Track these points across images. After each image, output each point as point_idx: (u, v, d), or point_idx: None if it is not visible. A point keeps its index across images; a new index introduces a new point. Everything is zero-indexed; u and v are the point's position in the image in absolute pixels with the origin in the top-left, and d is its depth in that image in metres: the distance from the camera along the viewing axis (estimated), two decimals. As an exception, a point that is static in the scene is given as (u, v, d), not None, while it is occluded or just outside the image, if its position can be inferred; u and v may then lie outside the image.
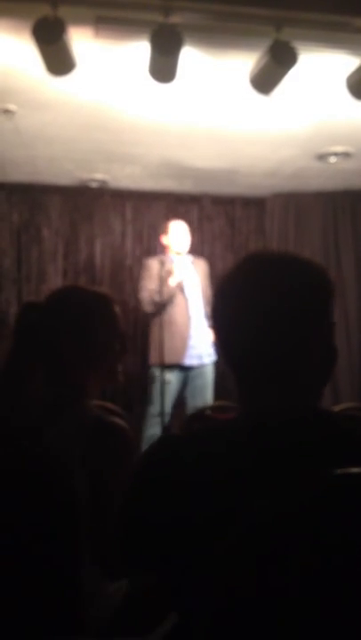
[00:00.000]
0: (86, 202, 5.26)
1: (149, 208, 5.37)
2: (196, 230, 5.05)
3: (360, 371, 5.08)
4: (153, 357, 4.35)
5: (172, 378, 4.23)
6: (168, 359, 4.17)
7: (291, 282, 0.98)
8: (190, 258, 4.47)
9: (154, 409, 4.23)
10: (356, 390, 4.97)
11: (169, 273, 4.21)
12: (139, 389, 5.18)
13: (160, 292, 4.19)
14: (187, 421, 3.15)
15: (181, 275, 4.25)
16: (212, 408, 3.37)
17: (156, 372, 4.25)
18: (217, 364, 4.33)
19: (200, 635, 0.84)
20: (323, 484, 0.82)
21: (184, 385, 4.36)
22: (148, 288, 4.31)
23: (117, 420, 1.54)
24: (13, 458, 1.47)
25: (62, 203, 5.23)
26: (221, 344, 1.04)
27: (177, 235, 4.40)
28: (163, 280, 4.19)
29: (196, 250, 4.71)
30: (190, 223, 4.83)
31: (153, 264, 4.37)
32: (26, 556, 1.36)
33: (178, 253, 4.36)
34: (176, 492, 0.94)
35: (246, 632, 0.82)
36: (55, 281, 5.24)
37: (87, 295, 1.65)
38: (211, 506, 0.90)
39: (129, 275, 5.34)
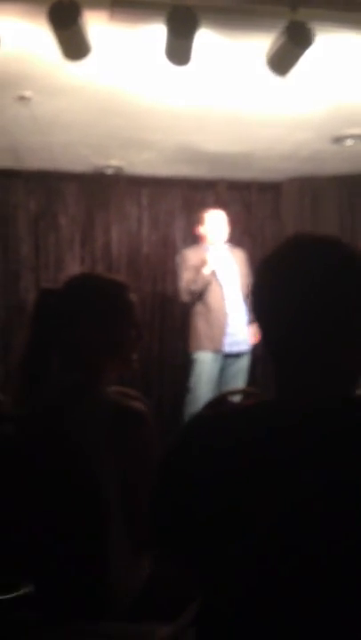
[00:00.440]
0: (102, 189, 5.27)
1: (165, 194, 5.37)
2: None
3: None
4: (192, 344, 4.47)
5: (211, 363, 4.32)
6: (206, 346, 4.33)
7: (335, 265, 0.97)
8: (227, 247, 4.50)
9: (194, 394, 4.33)
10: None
11: (203, 262, 4.27)
12: (157, 373, 5.21)
13: (195, 281, 4.28)
14: (207, 406, 3.16)
15: (214, 264, 4.28)
16: (235, 393, 3.37)
17: (196, 357, 4.37)
18: (253, 352, 4.45)
19: (227, 620, 0.85)
20: None
21: (221, 371, 4.42)
22: (186, 278, 4.39)
23: (137, 404, 1.56)
24: (37, 440, 1.49)
25: (78, 190, 5.25)
26: (263, 326, 1.03)
27: (214, 225, 4.43)
28: (197, 270, 4.27)
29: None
30: (206, 208, 4.82)
31: (189, 255, 4.45)
32: (54, 535, 1.38)
33: (214, 244, 4.39)
34: (210, 474, 0.92)
35: (273, 616, 0.82)
36: (73, 268, 5.27)
37: (104, 282, 1.67)
38: (246, 491, 0.89)
39: (145, 261, 5.36)
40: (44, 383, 1.61)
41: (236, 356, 4.40)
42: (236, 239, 4.88)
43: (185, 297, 4.45)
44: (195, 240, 4.96)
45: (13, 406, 1.64)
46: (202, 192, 5.37)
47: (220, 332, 4.31)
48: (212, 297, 4.35)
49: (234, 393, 3.59)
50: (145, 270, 5.36)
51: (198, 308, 4.40)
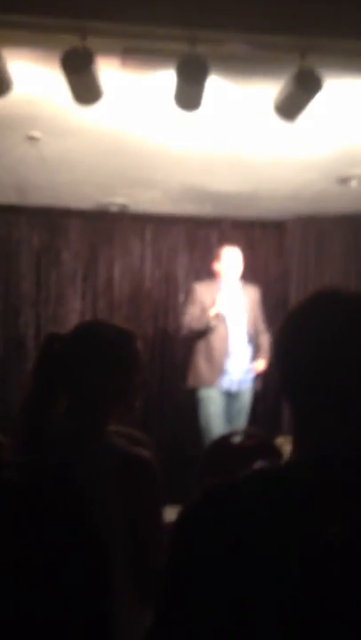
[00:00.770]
0: (106, 225, 5.29)
1: (169, 231, 5.39)
2: (215, 253, 5.06)
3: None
4: (191, 381, 4.47)
5: (217, 397, 4.32)
6: (207, 382, 4.33)
7: None
8: (240, 284, 4.50)
9: (208, 432, 4.27)
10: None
11: (212, 302, 4.27)
12: (157, 410, 5.16)
13: (199, 319, 4.30)
14: (210, 450, 3.12)
15: (223, 307, 4.27)
16: (237, 434, 3.34)
17: (201, 394, 4.35)
18: (255, 391, 4.44)
19: None
20: None
21: (225, 408, 4.40)
22: (190, 313, 4.40)
23: (142, 452, 1.56)
24: (41, 488, 1.47)
25: (82, 226, 5.26)
26: (286, 377, 1.02)
27: (229, 262, 4.43)
28: (204, 307, 4.29)
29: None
30: (210, 247, 4.84)
31: (200, 289, 4.46)
32: (56, 589, 1.35)
33: (228, 281, 4.40)
34: (228, 556, 0.87)
35: None
36: (74, 304, 5.26)
37: (112, 331, 1.67)
38: (269, 573, 0.84)
39: (148, 298, 5.35)
40: (47, 429, 1.60)
41: (238, 394, 4.37)
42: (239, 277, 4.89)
43: (184, 331, 4.48)
44: (198, 277, 4.97)
45: (15, 451, 1.62)
46: (205, 229, 5.39)
47: (220, 370, 4.29)
48: (216, 335, 4.33)
49: (236, 434, 3.55)
50: (147, 306, 5.34)
51: (200, 345, 4.38)
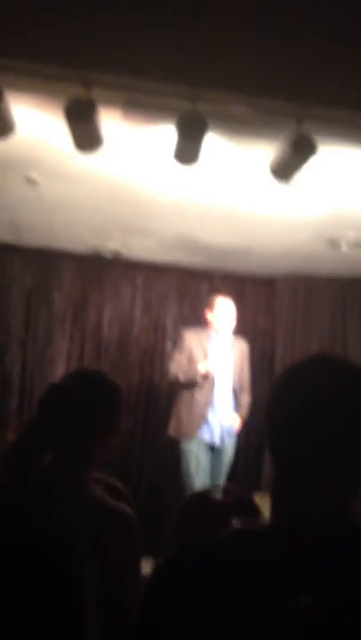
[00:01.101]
0: (98, 270, 5.33)
1: (160, 280, 5.44)
2: (205, 305, 5.09)
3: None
4: (172, 431, 4.41)
5: (198, 450, 4.24)
6: (186, 434, 4.27)
7: (358, 391, 0.99)
8: (231, 337, 4.45)
9: (194, 483, 4.19)
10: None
11: (202, 351, 4.25)
12: (138, 457, 5.09)
13: (187, 370, 4.25)
14: (187, 505, 3.07)
15: (211, 364, 4.21)
16: (216, 489, 3.29)
17: (188, 446, 4.27)
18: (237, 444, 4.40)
19: None
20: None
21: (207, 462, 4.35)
22: (177, 360, 4.34)
23: (122, 506, 1.57)
24: (20, 532, 1.47)
25: (75, 269, 5.31)
26: (274, 433, 1.02)
27: (222, 313, 4.38)
28: (192, 356, 4.25)
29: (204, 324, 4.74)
30: (200, 298, 4.88)
31: (188, 337, 4.40)
32: (27, 629, 1.34)
33: (220, 332, 4.36)
34: (201, 615, 0.87)
35: None
36: (61, 345, 5.25)
37: (111, 383, 1.74)
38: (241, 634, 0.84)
39: (135, 344, 5.35)
40: (33, 474, 1.62)
41: (221, 448, 4.32)
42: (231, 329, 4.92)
43: (169, 377, 4.43)
44: (186, 326, 4.98)
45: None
46: (197, 281, 5.44)
47: (202, 423, 4.23)
48: (201, 388, 4.28)
49: (214, 489, 3.50)
50: (134, 352, 5.34)
51: (184, 395, 4.33)
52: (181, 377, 4.28)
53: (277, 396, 1.05)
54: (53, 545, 1.46)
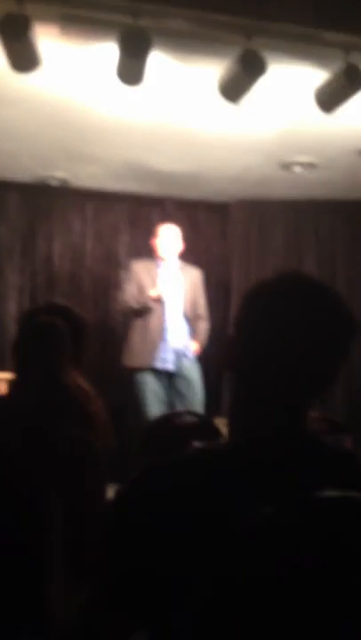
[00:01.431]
0: (45, 200, 5.15)
1: (111, 209, 5.29)
2: (154, 231, 5.01)
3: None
4: (125, 359, 4.45)
5: (152, 381, 4.29)
6: (140, 363, 4.32)
7: (326, 311, 1.00)
8: (179, 264, 4.47)
9: (149, 412, 4.23)
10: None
11: (151, 281, 4.28)
12: (97, 387, 5.10)
13: (137, 298, 4.30)
14: (150, 429, 3.10)
15: (162, 289, 4.27)
16: (177, 414, 3.34)
17: (142, 378, 4.31)
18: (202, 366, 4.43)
19: None
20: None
21: (167, 389, 4.38)
22: (127, 289, 4.39)
23: (84, 434, 1.63)
24: None
25: (21, 200, 5.10)
26: (241, 356, 1.03)
27: (165, 240, 4.42)
28: (141, 287, 4.29)
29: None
30: (152, 226, 4.77)
31: (137, 267, 4.43)
32: None
33: (165, 259, 4.39)
34: (164, 531, 0.88)
35: None
36: (12, 278, 5.12)
37: (81, 317, 1.97)
38: (195, 549, 0.85)
39: (88, 275, 5.25)
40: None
41: (179, 373, 4.34)
42: (182, 257, 4.87)
43: (118, 307, 4.53)
44: (139, 255, 4.90)
45: None
46: (148, 208, 5.31)
47: (154, 350, 4.26)
48: (153, 315, 4.30)
49: (176, 414, 3.55)
50: (87, 284, 5.25)
51: (136, 324, 4.37)
52: (134, 303, 4.31)
53: (246, 308, 1.05)
54: (17, 471, 1.48)
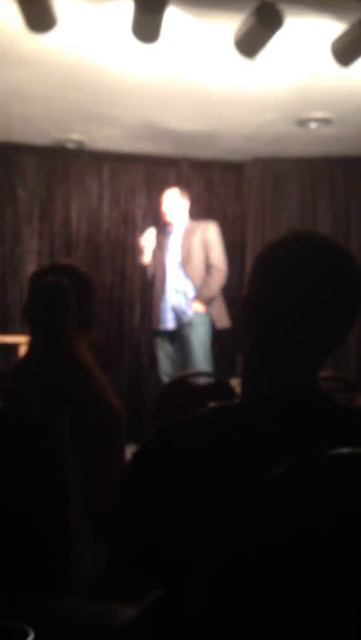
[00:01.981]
0: (62, 163, 5.16)
1: (127, 170, 5.29)
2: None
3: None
4: (147, 323, 4.83)
5: (160, 340, 4.48)
6: (151, 325, 4.60)
7: (337, 268, 1.01)
8: (189, 224, 4.51)
9: (161, 373, 4.48)
10: (329, 359, 5.03)
11: (160, 249, 4.46)
12: (115, 350, 5.20)
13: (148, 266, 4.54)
14: (164, 391, 3.17)
15: (146, 254, 4.46)
16: (193, 375, 3.40)
17: (155, 340, 4.55)
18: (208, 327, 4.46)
19: (194, 606, 0.85)
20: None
21: (176, 349, 4.49)
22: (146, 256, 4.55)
23: (103, 394, 1.62)
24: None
25: (38, 163, 5.12)
26: (254, 314, 1.04)
27: (167, 204, 4.50)
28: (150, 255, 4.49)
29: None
30: (168, 187, 4.78)
31: (147, 235, 4.52)
32: (15, 517, 1.39)
33: (173, 223, 4.48)
34: (180, 489, 0.91)
35: (244, 606, 0.81)
36: (30, 243, 5.17)
37: (84, 272, 1.85)
38: (214, 504, 0.87)
39: (106, 237, 5.30)
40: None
41: (182, 333, 4.39)
42: (196, 218, 4.89)
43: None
44: (155, 218, 4.93)
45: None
46: (164, 169, 5.31)
47: (158, 313, 4.44)
48: (156, 280, 4.50)
49: (192, 375, 3.60)
50: (104, 247, 5.30)
51: (151, 290, 4.63)
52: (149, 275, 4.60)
53: (258, 267, 1.06)
54: (33, 431, 1.49)
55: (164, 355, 4.47)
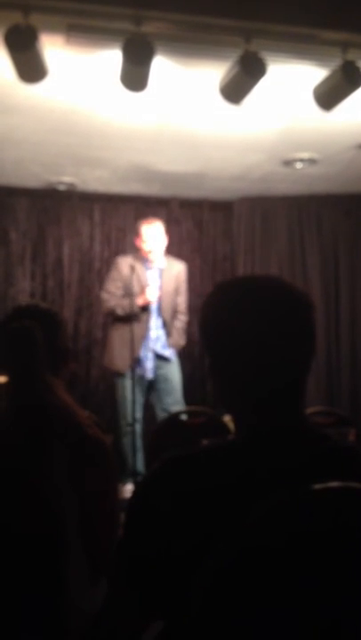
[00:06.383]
0: (54, 204, 5.24)
1: (117, 211, 5.38)
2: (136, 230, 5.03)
3: (326, 374, 5.17)
4: (106, 360, 4.36)
5: (129, 384, 4.10)
6: (117, 368, 4.20)
7: (286, 307, 1.03)
8: (164, 262, 4.28)
9: (124, 417, 4.20)
10: (323, 394, 5.06)
11: (142, 289, 4.10)
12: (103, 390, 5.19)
13: (123, 305, 4.11)
14: (160, 428, 3.18)
15: (151, 296, 4.10)
16: (186, 413, 3.41)
17: (121, 381, 4.21)
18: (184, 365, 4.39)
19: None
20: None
21: (149, 390, 4.33)
22: (112, 291, 4.21)
23: (97, 433, 1.60)
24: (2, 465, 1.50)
25: (29, 205, 5.20)
26: (220, 363, 1.05)
27: (149, 237, 4.15)
28: (129, 290, 4.08)
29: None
30: (142, 221, 4.81)
31: (123, 265, 4.17)
32: (8, 555, 1.39)
33: (152, 258, 4.18)
34: (182, 521, 0.93)
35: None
36: (23, 284, 5.21)
37: (47, 309, 1.80)
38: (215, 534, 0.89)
39: (97, 277, 5.34)
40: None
41: (159, 374, 4.23)
42: (186, 256, 4.95)
43: (104, 311, 4.38)
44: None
45: None
46: (154, 209, 5.39)
47: (134, 357, 4.04)
48: (136, 321, 4.12)
49: (184, 412, 3.61)
50: (96, 286, 5.34)
51: (120, 327, 4.18)
52: (119, 311, 4.14)
53: (208, 314, 1.08)
54: (32, 472, 1.48)
55: (132, 398, 4.05)
